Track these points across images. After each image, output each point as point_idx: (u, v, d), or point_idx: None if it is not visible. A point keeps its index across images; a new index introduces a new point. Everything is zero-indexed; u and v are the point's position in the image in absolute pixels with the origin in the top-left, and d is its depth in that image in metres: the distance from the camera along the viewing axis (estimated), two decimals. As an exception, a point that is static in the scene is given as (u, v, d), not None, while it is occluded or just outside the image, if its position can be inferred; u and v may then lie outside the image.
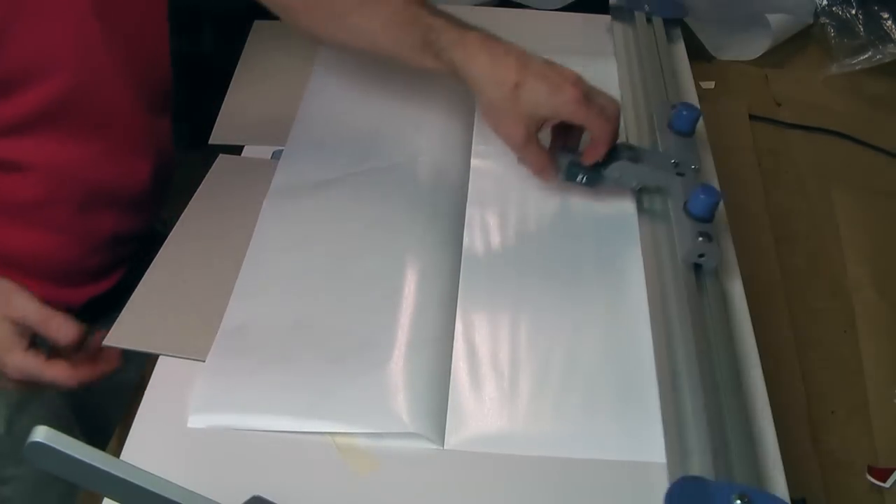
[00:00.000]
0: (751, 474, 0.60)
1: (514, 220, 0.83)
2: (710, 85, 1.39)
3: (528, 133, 0.76)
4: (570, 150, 0.82)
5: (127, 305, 0.73)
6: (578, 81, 0.75)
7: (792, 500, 0.62)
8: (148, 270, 0.76)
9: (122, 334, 0.70)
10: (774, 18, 1.41)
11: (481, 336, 0.72)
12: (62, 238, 0.84)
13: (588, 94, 0.75)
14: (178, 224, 0.80)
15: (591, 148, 0.79)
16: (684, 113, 0.85)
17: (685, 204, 0.76)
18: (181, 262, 0.77)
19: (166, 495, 0.47)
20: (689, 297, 0.71)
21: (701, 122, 0.94)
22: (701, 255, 0.74)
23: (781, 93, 1.40)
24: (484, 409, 0.67)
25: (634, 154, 0.81)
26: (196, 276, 0.76)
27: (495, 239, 0.81)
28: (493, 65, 0.75)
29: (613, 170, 0.81)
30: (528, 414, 0.67)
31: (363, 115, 0.92)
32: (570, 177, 0.82)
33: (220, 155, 0.89)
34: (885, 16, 1.45)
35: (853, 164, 1.32)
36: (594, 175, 0.81)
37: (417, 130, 0.91)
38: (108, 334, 0.70)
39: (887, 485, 0.96)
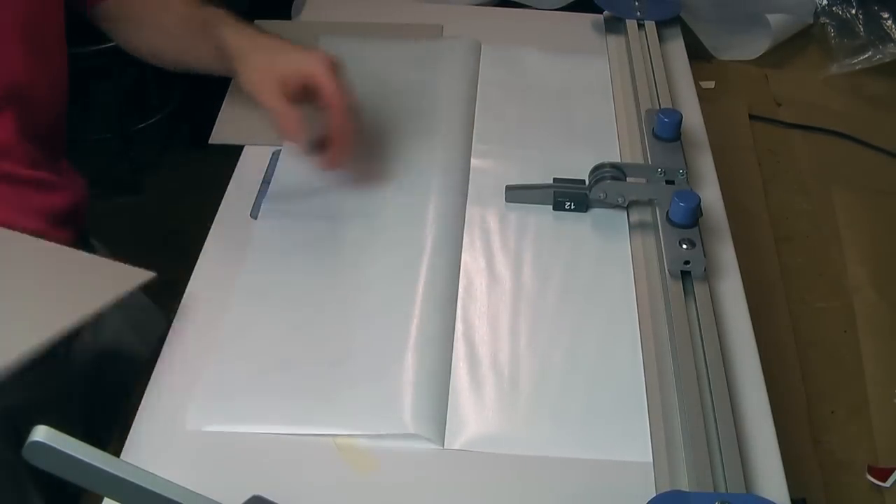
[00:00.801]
0: (737, 479, 0.60)
1: (513, 221, 0.83)
2: (710, 85, 1.39)
3: (280, 91, 0.79)
4: (557, 183, 0.84)
5: None
6: (329, 56, 0.80)
7: (792, 500, 0.62)
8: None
9: None
10: (774, 18, 1.41)
11: (481, 337, 0.72)
12: None
13: (336, 69, 0.79)
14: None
15: (336, 137, 0.80)
16: (665, 119, 0.85)
17: (667, 213, 0.76)
18: None
19: (166, 495, 0.47)
20: (674, 308, 0.72)
21: (696, 123, 0.95)
22: (686, 262, 0.74)
23: (781, 93, 1.40)
24: (484, 410, 0.67)
25: (618, 171, 0.82)
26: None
27: (495, 239, 0.81)
28: (255, 37, 0.82)
29: (598, 191, 0.82)
30: (527, 414, 0.67)
31: (363, 115, 0.91)
32: (558, 206, 0.84)
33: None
34: (885, 16, 1.46)
35: (853, 164, 1.33)
36: (580, 200, 0.83)
37: (418, 132, 0.91)
38: None
39: (887, 485, 0.96)
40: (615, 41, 1.07)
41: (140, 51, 0.91)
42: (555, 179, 0.84)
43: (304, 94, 0.78)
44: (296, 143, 0.80)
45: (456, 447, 0.65)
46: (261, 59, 0.80)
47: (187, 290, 0.75)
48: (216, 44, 0.82)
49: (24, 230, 0.81)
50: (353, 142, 0.80)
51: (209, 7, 0.86)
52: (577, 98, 0.98)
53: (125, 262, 0.74)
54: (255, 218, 0.82)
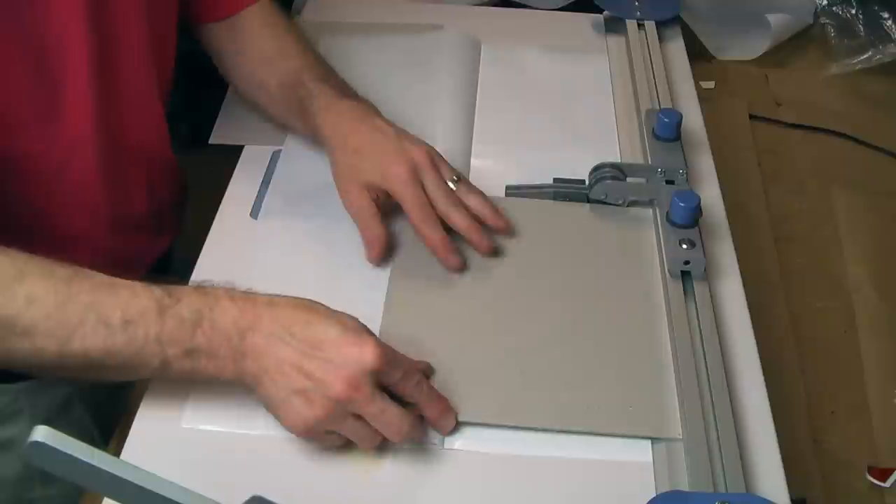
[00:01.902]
0: (737, 479, 0.60)
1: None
2: (710, 85, 1.39)
3: (366, 201, 0.76)
4: (557, 183, 0.84)
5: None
6: (420, 157, 0.75)
7: (792, 500, 0.62)
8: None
9: None
10: (774, 18, 1.41)
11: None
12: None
13: (419, 175, 0.75)
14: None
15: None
16: (665, 119, 0.85)
17: (667, 213, 0.76)
18: None
19: (166, 495, 0.47)
20: (674, 308, 0.72)
21: (696, 123, 0.95)
22: (686, 263, 0.74)
23: (781, 93, 1.40)
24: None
25: (618, 171, 0.82)
26: None
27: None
28: (345, 131, 0.78)
29: (598, 191, 0.82)
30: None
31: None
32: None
33: None
34: (885, 16, 1.46)
35: (853, 164, 1.33)
36: (580, 200, 0.83)
37: (418, 133, 0.91)
38: None
39: (887, 485, 0.96)
40: (615, 41, 1.07)
41: (245, 95, 0.91)
42: (555, 179, 0.84)
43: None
44: (373, 255, 0.77)
45: (456, 447, 0.65)
46: (349, 163, 0.77)
47: (187, 290, 0.75)
48: (312, 128, 0.81)
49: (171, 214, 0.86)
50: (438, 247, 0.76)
51: (309, 83, 0.82)
52: (577, 98, 0.98)
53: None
54: (256, 218, 0.82)
